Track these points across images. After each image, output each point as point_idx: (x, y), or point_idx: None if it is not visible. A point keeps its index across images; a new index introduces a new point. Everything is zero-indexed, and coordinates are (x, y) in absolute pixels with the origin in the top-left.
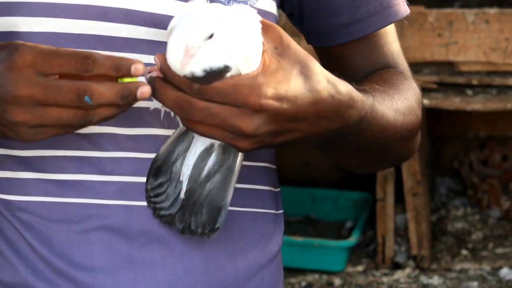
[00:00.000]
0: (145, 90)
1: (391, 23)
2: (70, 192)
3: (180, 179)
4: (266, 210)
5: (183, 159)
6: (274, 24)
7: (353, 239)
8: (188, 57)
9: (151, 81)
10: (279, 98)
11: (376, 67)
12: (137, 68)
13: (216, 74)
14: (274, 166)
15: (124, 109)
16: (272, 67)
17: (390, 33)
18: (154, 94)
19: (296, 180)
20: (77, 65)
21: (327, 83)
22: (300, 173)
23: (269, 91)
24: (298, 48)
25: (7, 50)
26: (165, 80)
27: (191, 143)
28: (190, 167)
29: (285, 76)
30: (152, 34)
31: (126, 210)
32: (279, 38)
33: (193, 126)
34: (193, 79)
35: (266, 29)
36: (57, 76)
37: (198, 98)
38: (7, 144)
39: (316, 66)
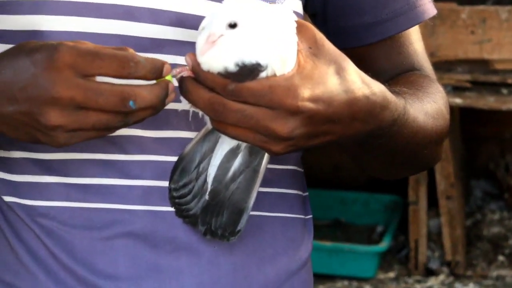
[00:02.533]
0: (172, 86)
1: (418, 24)
2: (93, 197)
3: (206, 180)
4: (295, 215)
5: (210, 159)
6: (308, 23)
7: (384, 244)
8: (208, 44)
9: (182, 82)
10: (315, 99)
11: (401, 69)
12: (167, 69)
13: (249, 72)
14: (301, 169)
15: (159, 111)
16: (307, 68)
17: (414, 33)
18: (186, 95)
19: (324, 182)
20: (120, 68)
21: (361, 83)
22: (329, 175)
23: (306, 92)
24: (332, 48)
25: (45, 50)
26: (197, 80)
27: (217, 143)
28: (215, 168)
29: (321, 76)
30: (179, 34)
31: (151, 216)
32: (313, 38)
33: (224, 128)
34: (226, 75)
35: (299, 28)
36: (96, 78)
37: (232, 100)
38: (28, 146)
39: (350, 66)
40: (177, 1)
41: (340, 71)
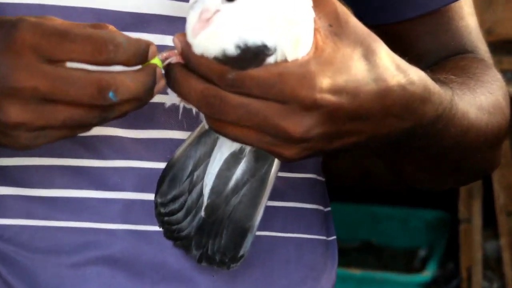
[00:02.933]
0: (160, 72)
1: None
2: (60, 214)
3: (202, 192)
4: (314, 236)
5: (206, 166)
6: None
7: (428, 273)
8: (201, 22)
9: (169, 70)
10: (337, 90)
11: (449, 52)
12: (153, 51)
13: (253, 56)
14: (322, 178)
15: (145, 103)
16: (327, 51)
17: (466, 5)
18: (174, 86)
19: (351, 194)
20: (95, 52)
21: (396, 70)
22: (357, 185)
23: (325, 82)
24: (359, 25)
25: (1, 29)
26: (188, 68)
27: (215, 147)
28: (213, 177)
29: (344, 61)
30: (168, 7)
31: (133, 237)
32: (334, 13)
33: (223, 128)
34: (224, 60)
35: (317, 2)
36: (66, 64)
37: (232, 92)
38: None
39: (382, 48)
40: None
41: (368, 55)
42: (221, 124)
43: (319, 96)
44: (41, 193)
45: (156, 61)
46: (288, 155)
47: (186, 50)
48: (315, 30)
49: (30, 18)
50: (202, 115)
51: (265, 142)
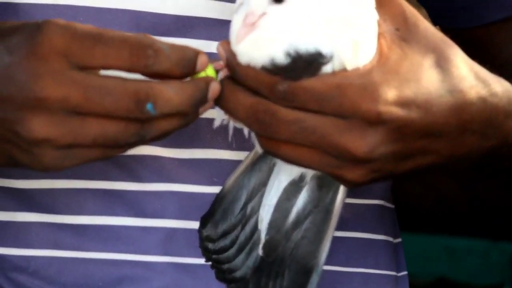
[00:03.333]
0: (216, 88)
1: None
2: (92, 244)
3: (258, 226)
4: (382, 271)
5: (261, 197)
6: None
7: None
8: (246, 27)
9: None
10: (405, 103)
11: None
12: (202, 61)
13: (306, 65)
14: (391, 205)
15: (190, 121)
16: (393, 58)
17: None
18: (219, 101)
19: (424, 224)
20: (133, 57)
21: (475, 79)
22: (431, 213)
23: (390, 93)
24: (430, 29)
25: (26, 31)
26: (234, 80)
27: (272, 174)
28: (271, 209)
29: (413, 70)
30: (216, 9)
31: (176, 271)
32: (402, 15)
33: (276, 148)
34: (274, 70)
35: (382, 2)
36: (100, 72)
37: (284, 106)
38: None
39: (458, 55)
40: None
41: (442, 62)
42: (273, 144)
43: (383, 108)
44: (70, 220)
45: (210, 71)
46: (352, 178)
47: (231, 60)
48: (380, 34)
49: (58, 20)
50: (254, 136)
51: (324, 163)
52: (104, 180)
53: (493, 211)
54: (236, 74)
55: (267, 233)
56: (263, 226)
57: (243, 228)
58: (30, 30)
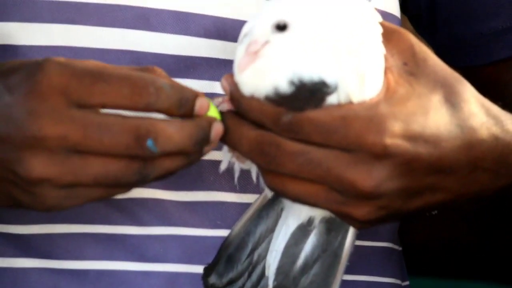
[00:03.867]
0: (219, 128)
1: None
2: None
3: (266, 273)
4: None
5: (268, 243)
6: (402, 29)
7: None
8: (249, 55)
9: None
10: (413, 137)
11: None
12: (202, 105)
13: (310, 94)
14: (398, 247)
15: (192, 162)
16: (400, 92)
17: None
18: (223, 136)
19: (434, 266)
20: (134, 95)
21: (486, 116)
22: (441, 255)
23: (397, 126)
24: (439, 64)
25: (25, 69)
26: (237, 113)
27: (279, 219)
28: (279, 255)
29: (421, 105)
30: (218, 49)
31: None
32: (410, 49)
33: (281, 184)
34: (278, 100)
35: (389, 36)
36: (100, 110)
37: (289, 138)
38: None
39: (468, 90)
40: (213, 1)
41: (452, 98)
42: (279, 179)
43: (390, 142)
44: (69, 266)
45: (213, 112)
46: (359, 215)
47: (234, 93)
48: (387, 69)
49: (59, 58)
50: (262, 181)
51: (331, 200)
52: (104, 224)
53: (504, 253)
54: (240, 107)
55: (275, 279)
56: (271, 273)
57: (249, 276)
58: (30, 69)
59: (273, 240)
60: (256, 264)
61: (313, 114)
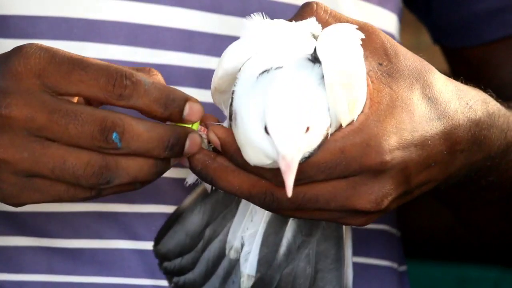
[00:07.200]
0: (196, 140)
1: None
2: (87, 268)
3: (230, 255)
4: None
5: (223, 219)
6: (369, 25)
7: None
8: (291, 172)
9: (203, 158)
10: (405, 145)
11: None
12: (193, 109)
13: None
14: (396, 231)
15: (159, 170)
16: (384, 102)
17: None
18: (211, 179)
19: (433, 251)
20: (109, 86)
21: (457, 99)
22: (440, 239)
23: (392, 140)
24: (409, 55)
25: (7, 52)
26: (225, 157)
27: (240, 204)
28: (258, 246)
29: (406, 109)
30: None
31: None
32: (381, 47)
33: (284, 213)
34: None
35: (364, 39)
36: (75, 99)
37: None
38: None
39: (437, 79)
40: (213, 23)
41: (427, 91)
42: (279, 212)
43: (389, 157)
44: (63, 244)
45: (195, 126)
46: (357, 223)
47: (234, 155)
48: (367, 75)
49: (41, 44)
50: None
51: (333, 218)
52: (96, 202)
53: (503, 238)
54: (233, 160)
55: (258, 270)
56: (249, 264)
57: (203, 250)
58: (12, 51)
59: (235, 223)
60: (210, 239)
61: (314, 159)
